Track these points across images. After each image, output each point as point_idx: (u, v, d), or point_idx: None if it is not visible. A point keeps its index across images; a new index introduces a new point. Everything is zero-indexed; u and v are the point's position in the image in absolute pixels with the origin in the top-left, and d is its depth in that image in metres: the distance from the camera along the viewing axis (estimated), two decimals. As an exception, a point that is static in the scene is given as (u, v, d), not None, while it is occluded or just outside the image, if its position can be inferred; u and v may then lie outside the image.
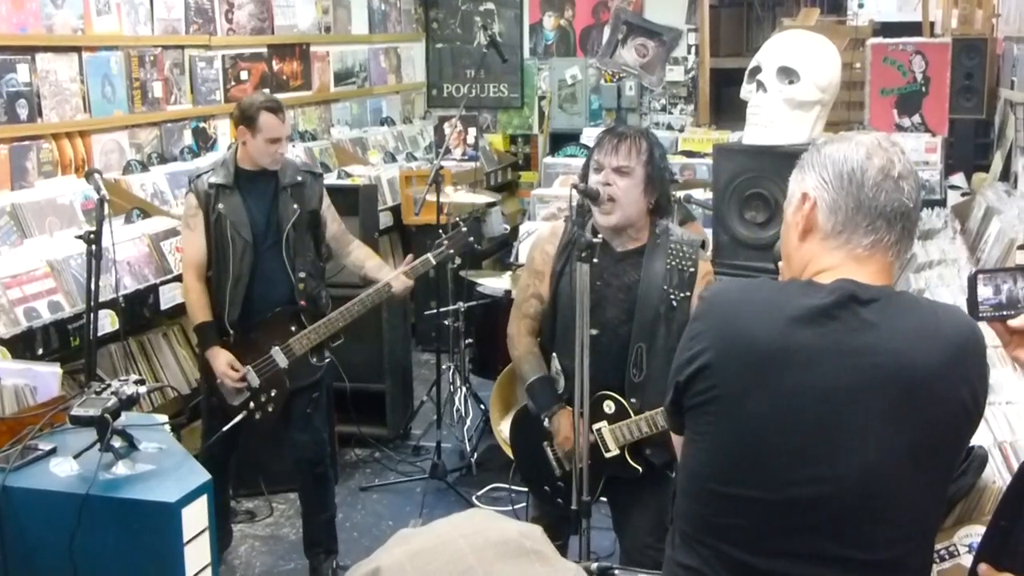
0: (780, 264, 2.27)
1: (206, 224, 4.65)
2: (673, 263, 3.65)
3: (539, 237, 3.90)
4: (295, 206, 4.69)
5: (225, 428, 4.65)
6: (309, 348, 4.71)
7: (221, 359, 4.64)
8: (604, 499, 3.83)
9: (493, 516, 1.44)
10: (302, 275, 4.70)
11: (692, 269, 3.66)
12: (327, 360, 4.85)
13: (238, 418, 4.64)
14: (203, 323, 4.68)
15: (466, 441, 6.34)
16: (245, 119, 4.60)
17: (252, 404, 4.72)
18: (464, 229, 4.81)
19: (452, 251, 4.80)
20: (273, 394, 4.75)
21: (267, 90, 7.82)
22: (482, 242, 4.98)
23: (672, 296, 3.62)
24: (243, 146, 4.66)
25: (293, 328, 4.70)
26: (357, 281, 5.16)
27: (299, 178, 4.76)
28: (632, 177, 3.58)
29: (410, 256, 4.86)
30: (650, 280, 3.63)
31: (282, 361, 4.68)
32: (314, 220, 4.80)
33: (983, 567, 2.11)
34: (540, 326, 3.84)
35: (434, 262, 4.76)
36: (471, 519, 1.43)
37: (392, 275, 4.77)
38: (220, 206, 4.61)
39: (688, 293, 3.64)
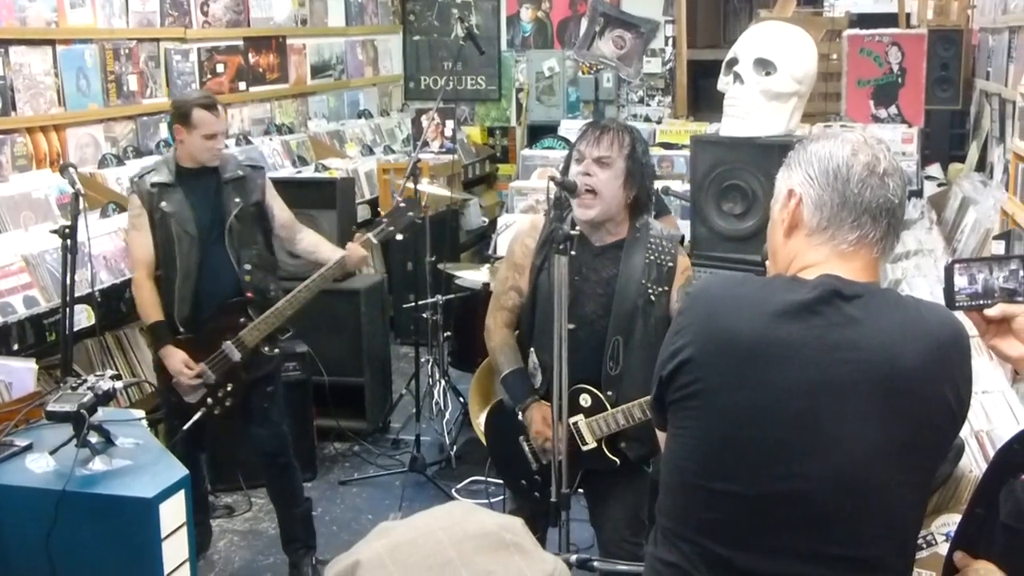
0: (768, 263, 2.28)
1: (151, 223, 4.63)
2: (652, 257, 3.64)
3: (520, 230, 3.90)
4: (237, 199, 4.68)
5: (185, 426, 4.61)
6: (261, 339, 4.69)
7: (175, 358, 4.61)
8: (581, 491, 3.83)
9: (472, 509, 1.44)
10: (247, 267, 4.69)
11: (671, 264, 3.66)
12: (278, 351, 4.84)
13: (197, 415, 4.61)
14: (155, 323, 4.66)
15: (445, 434, 6.34)
16: (180, 117, 4.59)
17: (210, 400, 4.70)
18: (403, 206, 4.77)
19: (393, 228, 4.75)
20: (230, 388, 4.73)
21: (243, 83, 7.80)
22: (423, 221, 4.93)
23: (650, 291, 3.62)
24: (181, 144, 4.64)
25: (242, 320, 4.68)
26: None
27: (240, 172, 4.74)
28: (612, 169, 3.57)
29: (359, 234, 4.88)
30: (629, 274, 3.62)
31: (235, 355, 4.66)
32: (259, 212, 4.79)
33: (959, 555, 2.11)
34: (518, 319, 3.84)
35: (375, 241, 4.74)
36: (451, 512, 1.43)
37: (341, 253, 4.76)
38: (163, 204, 4.60)
39: (666, 288, 3.64)
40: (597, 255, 3.65)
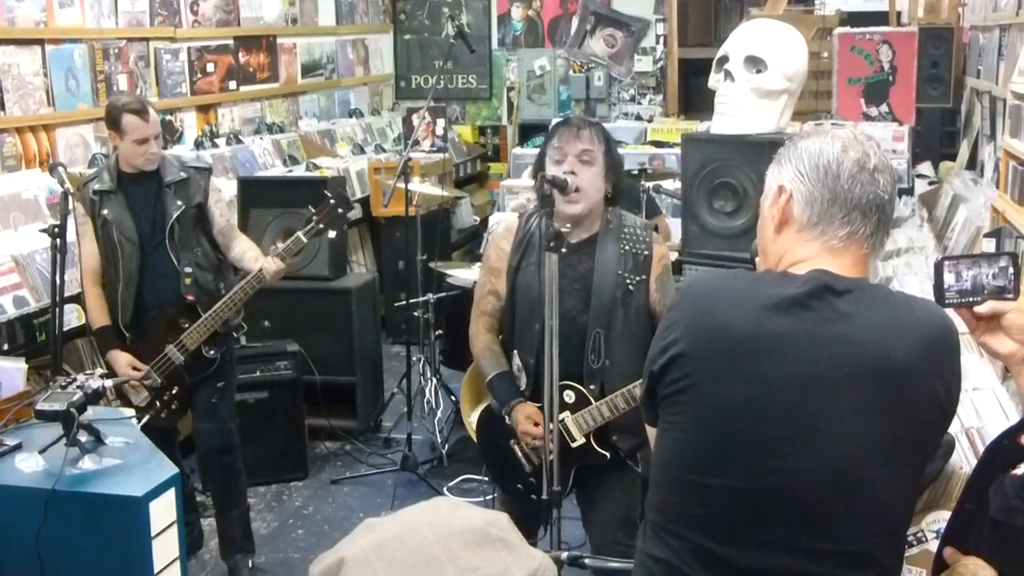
0: (758, 260, 2.28)
1: (94, 230, 4.62)
2: (627, 247, 3.66)
3: (494, 234, 3.91)
4: (179, 202, 4.64)
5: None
6: (201, 341, 4.65)
7: (121, 360, 4.60)
8: (574, 491, 3.83)
9: (458, 504, 1.44)
10: (188, 270, 4.65)
11: (647, 252, 3.68)
12: (222, 351, 4.77)
13: (145, 419, 4.52)
14: (101, 327, 4.65)
15: (437, 433, 6.32)
16: (110, 122, 4.57)
17: (157, 404, 4.69)
18: (332, 202, 4.57)
19: (323, 225, 4.57)
20: (175, 391, 4.72)
21: (233, 83, 7.77)
22: (347, 213, 4.69)
23: (628, 280, 3.63)
24: (115, 150, 4.64)
25: (185, 324, 4.64)
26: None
27: (183, 174, 4.70)
28: (595, 164, 3.60)
29: (280, 242, 4.74)
30: (604, 267, 3.64)
31: (177, 358, 4.64)
32: (201, 214, 4.75)
33: (948, 550, 2.12)
34: (499, 323, 3.85)
35: (305, 240, 4.59)
36: (436, 508, 1.43)
37: (262, 260, 4.65)
38: (105, 212, 4.59)
39: (644, 276, 3.66)
40: (573, 252, 3.64)
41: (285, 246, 4.59)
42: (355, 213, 8.24)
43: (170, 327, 4.66)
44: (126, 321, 4.63)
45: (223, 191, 5.16)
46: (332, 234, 4.64)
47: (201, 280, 4.69)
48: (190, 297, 4.65)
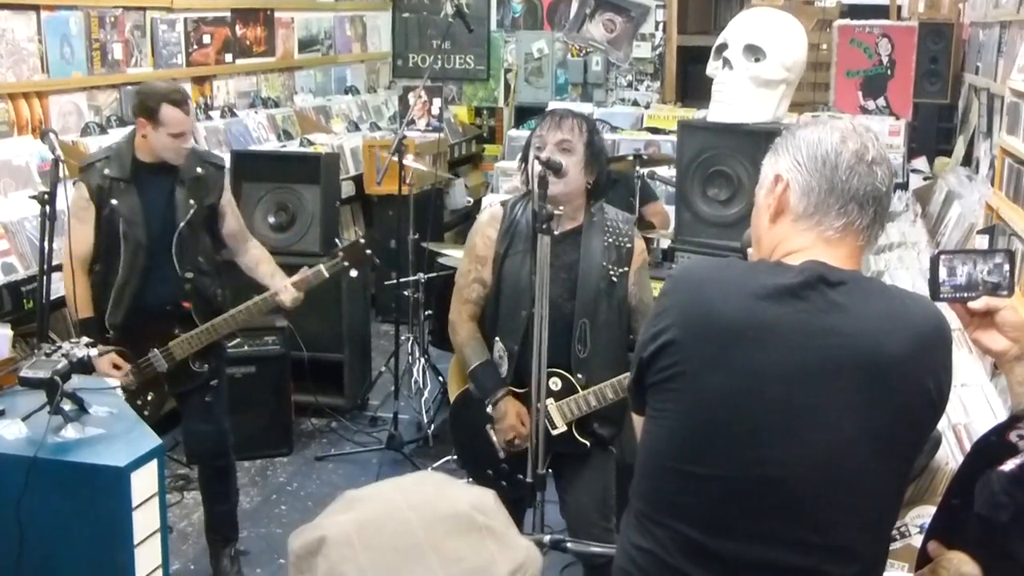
0: (749, 251, 2.26)
1: (97, 218, 4.34)
2: (610, 240, 3.72)
3: (479, 222, 3.91)
4: (191, 202, 4.41)
5: None
6: (190, 354, 4.45)
7: (105, 359, 4.28)
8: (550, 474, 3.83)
9: (444, 483, 1.41)
10: (189, 275, 4.42)
11: (629, 245, 3.74)
12: (206, 368, 4.55)
13: None
14: (87, 319, 4.37)
15: (423, 413, 6.32)
16: (146, 111, 4.26)
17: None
18: (362, 242, 4.58)
19: (347, 264, 4.51)
20: (150, 397, 4.49)
21: (229, 55, 7.73)
22: (373, 257, 4.66)
23: (611, 272, 3.69)
24: (143, 139, 4.32)
25: (177, 331, 4.44)
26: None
27: (199, 170, 4.46)
28: (574, 154, 3.63)
29: (305, 268, 4.59)
30: (590, 258, 3.69)
31: (160, 365, 4.43)
32: (212, 214, 4.53)
33: (933, 545, 2.11)
34: (482, 311, 3.85)
35: (326, 274, 4.50)
36: (420, 485, 1.40)
37: (281, 284, 4.50)
38: (114, 202, 4.31)
39: (626, 269, 3.72)
40: (559, 241, 3.66)
41: (304, 277, 4.48)
42: (348, 190, 8.22)
43: (161, 332, 4.44)
44: (115, 320, 4.38)
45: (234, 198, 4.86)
46: (354, 273, 4.59)
47: (200, 286, 4.47)
48: (187, 304, 4.44)
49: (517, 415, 3.68)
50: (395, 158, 6.06)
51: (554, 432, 3.69)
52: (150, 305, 4.41)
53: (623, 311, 3.72)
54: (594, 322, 3.67)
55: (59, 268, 4.40)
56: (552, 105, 8.91)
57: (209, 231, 4.55)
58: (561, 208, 3.54)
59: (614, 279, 3.69)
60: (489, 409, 3.74)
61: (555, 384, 3.67)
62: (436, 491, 1.38)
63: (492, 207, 3.96)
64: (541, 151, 3.60)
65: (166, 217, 4.39)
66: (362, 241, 4.56)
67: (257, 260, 4.67)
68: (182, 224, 4.38)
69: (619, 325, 3.71)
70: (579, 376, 3.68)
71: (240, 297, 4.60)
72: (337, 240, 4.55)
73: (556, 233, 3.64)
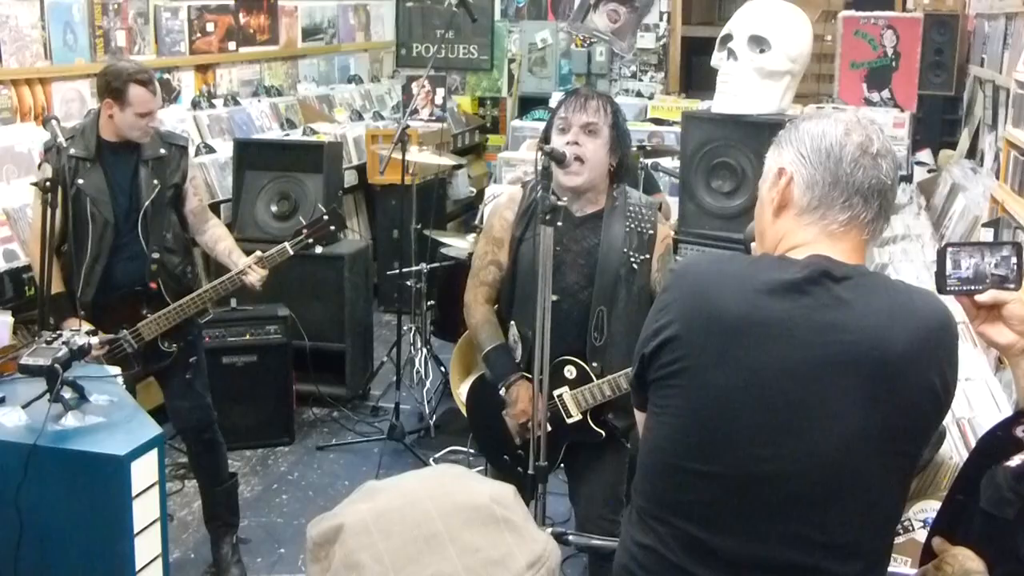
0: (753, 245, 2.24)
1: (63, 198, 4.23)
2: (632, 225, 3.62)
3: (497, 204, 3.87)
4: (155, 182, 4.41)
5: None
6: (159, 334, 4.43)
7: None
8: (562, 466, 3.81)
9: (463, 475, 1.40)
10: (156, 255, 4.42)
11: (651, 231, 3.65)
12: (176, 347, 4.52)
13: None
14: (56, 294, 4.28)
15: (425, 403, 6.31)
16: (111, 91, 4.25)
17: None
18: (326, 218, 4.49)
19: (312, 240, 4.46)
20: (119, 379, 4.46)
21: (232, 43, 7.70)
22: (339, 232, 4.57)
23: (632, 259, 3.60)
24: (108, 119, 4.31)
25: (145, 311, 4.41)
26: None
27: (162, 151, 4.46)
28: (600, 136, 3.55)
29: (270, 247, 4.54)
30: (610, 243, 3.60)
31: (129, 345, 4.40)
32: (176, 194, 4.54)
33: (937, 540, 2.10)
34: (498, 294, 3.81)
35: (291, 252, 4.45)
36: (441, 477, 1.39)
37: (244, 263, 4.47)
38: (80, 181, 4.30)
39: (647, 255, 3.63)
40: (578, 225, 3.62)
41: (269, 255, 4.44)
42: (351, 179, 8.21)
43: (128, 311, 4.42)
44: (86, 299, 4.37)
45: (198, 176, 4.89)
46: (319, 249, 4.51)
47: (168, 264, 4.47)
48: (153, 285, 4.43)
49: (530, 400, 3.58)
50: (396, 155, 6.03)
51: (569, 421, 3.66)
52: (120, 283, 4.41)
53: (643, 299, 3.59)
54: (612, 310, 3.59)
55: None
56: (556, 96, 8.89)
57: (176, 211, 4.56)
58: (565, 199, 3.49)
59: (635, 266, 3.59)
60: (502, 392, 3.69)
61: (570, 372, 3.63)
62: (456, 483, 1.37)
63: (510, 189, 3.91)
64: (565, 133, 3.54)
65: (131, 195, 4.40)
66: (326, 217, 4.47)
67: (216, 238, 4.68)
68: (146, 204, 4.38)
69: (639, 313, 3.53)
70: (594, 364, 3.62)
71: (218, 274, 4.59)
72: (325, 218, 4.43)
73: (577, 216, 3.61)
